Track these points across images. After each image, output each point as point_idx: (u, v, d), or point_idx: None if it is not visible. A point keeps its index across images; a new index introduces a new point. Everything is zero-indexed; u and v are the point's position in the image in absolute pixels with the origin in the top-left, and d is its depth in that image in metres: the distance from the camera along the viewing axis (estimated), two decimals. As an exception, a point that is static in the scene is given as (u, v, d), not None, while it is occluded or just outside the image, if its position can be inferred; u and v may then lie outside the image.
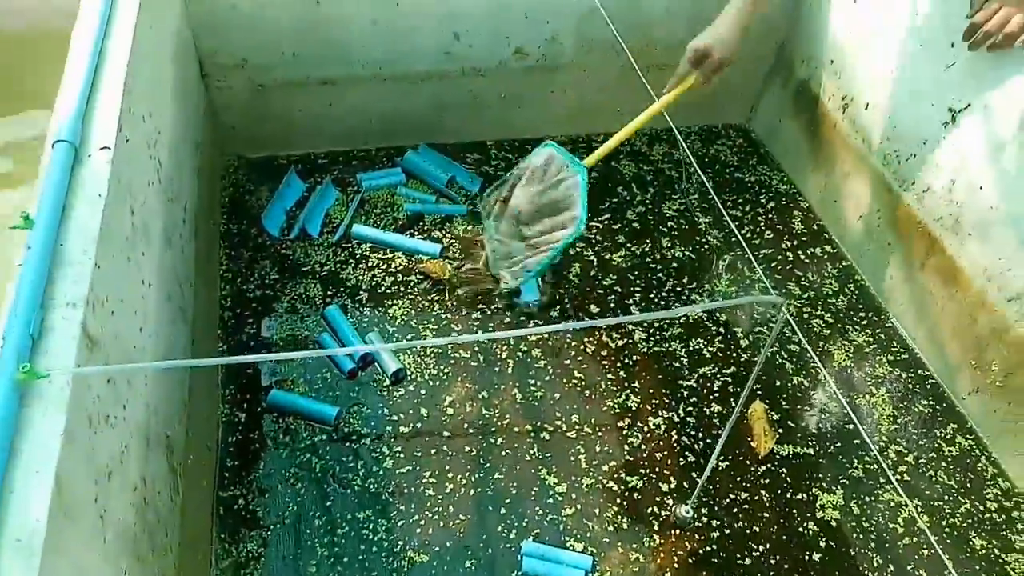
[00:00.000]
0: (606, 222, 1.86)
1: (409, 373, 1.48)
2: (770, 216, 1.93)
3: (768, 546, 1.31)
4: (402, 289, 1.63)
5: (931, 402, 1.57)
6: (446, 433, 1.40)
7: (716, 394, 1.52)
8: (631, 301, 1.68)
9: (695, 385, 1.53)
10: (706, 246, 1.83)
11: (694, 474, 1.38)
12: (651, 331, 1.61)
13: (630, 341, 1.59)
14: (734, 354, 1.60)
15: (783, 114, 2.06)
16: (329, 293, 1.60)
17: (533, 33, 1.84)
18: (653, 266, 1.76)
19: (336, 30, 1.70)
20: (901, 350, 1.66)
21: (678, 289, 1.71)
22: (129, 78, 1.09)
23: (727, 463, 1.41)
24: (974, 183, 1.47)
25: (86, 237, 0.87)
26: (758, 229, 1.89)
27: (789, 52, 2.01)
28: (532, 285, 1.65)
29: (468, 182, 1.89)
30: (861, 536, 1.34)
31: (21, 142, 1.60)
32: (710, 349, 1.60)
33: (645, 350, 1.57)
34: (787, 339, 1.64)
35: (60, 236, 0.86)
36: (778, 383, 1.56)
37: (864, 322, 1.70)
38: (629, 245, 1.81)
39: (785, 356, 1.61)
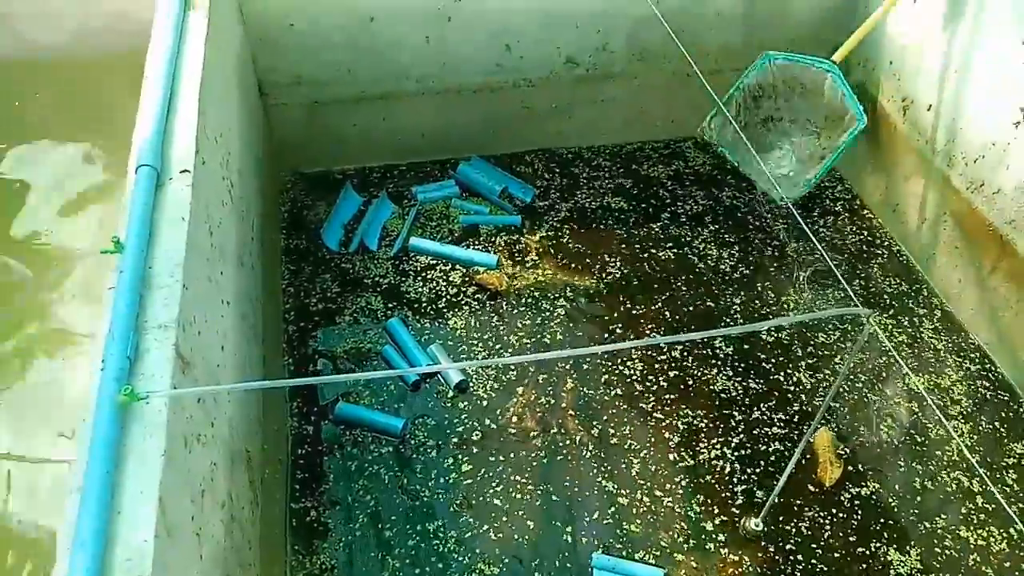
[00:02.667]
0: (657, 231, 1.85)
1: (471, 384, 1.49)
2: (829, 222, 1.90)
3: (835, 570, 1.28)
4: (461, 300, 1.64)
5: (1008, 414, 1.52)
6: (510, 443, 1.40)
7: (784, 415, 1.49)
8: (694, 310, 1.66)
9: (763, 404, 1.51)
10: (779, 256, 1.80)
11: (759, 492, 1.35)
12: (718, 348, 1.59)
13: (696, 355, 1.57)
14: (805, 372, 1.57)
15: (839, 116, 2.02)
16: (390, 306, 1.62)
17: (584, 42, 1.84)
18: (716, 277, 1.74)
19: (389, 47, 1.72)
20: (975, 357, 1.61)
21: (756, 303, 1.69)
22: (202, 101, 1.11)
23: (793, 488, 1.38)
24: (1049, 184, 1.43)
25: (173, 260, 0.89)
26: (817, 236, 1.86)
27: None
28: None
29: (521, 192, 1.90)
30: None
31: (99, 165, 1.65)
32: (784, 365, 1.57)
33: (712, 363, 1.56)
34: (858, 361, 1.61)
35: (148, 259, 0.88)
36: (848, 407, 1.52)
37: (934, 329, 1.66)
38: (704, 250, 1.79)
39: (856, 377, 1.58)
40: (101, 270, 0.90)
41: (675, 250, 1.79)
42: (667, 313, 1.65)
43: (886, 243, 1.85)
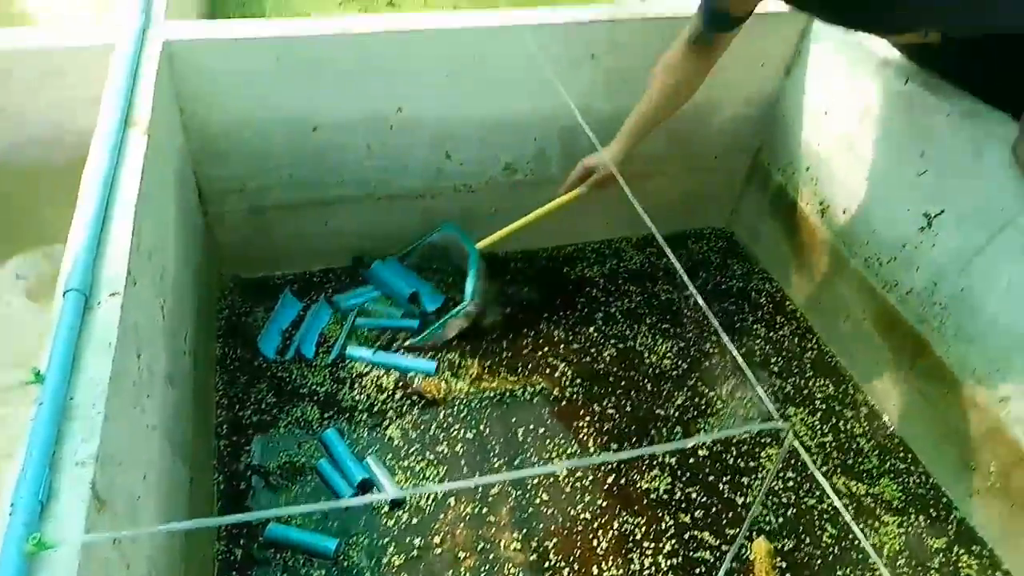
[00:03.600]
0: (593, 334, 1.88)
1: (407, 498, 1.45)
2: (756, 321, 1.97)
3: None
4: (399, 408, 1.62)
5: (934, 511, 1.56)
6: (449, 560, 1.36)
7: (713, 526, 1.50)
8: (619, 421, 1.68)
9: (690, 514, 1.52)
10: (699, 359, 1.85)
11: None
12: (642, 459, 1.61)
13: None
14: (733, 481, 1.59)
15: (763, 218, 2.13)
16: (327, 415, 1.59)
17: (521, 150, 1.91)
18: (641, 379, 1.77)
19: (332, 154, 1.75)
20: (902, 455, 1.66)
21: (676, 414, 1.72)
22: (136, 220, 1.11)
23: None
24: (955, 286, 1.52)
25: (96, 389, 0.87)
26: (745, 335, 1.92)
27: (765, 159, 2.10)
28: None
29: (429, 301, 1.89)
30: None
31: (32, 279, 1.60)
32: (721, 471, 1.59)
33: (650, 468, 1.57)
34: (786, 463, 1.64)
35: (70, 389, 0.86)
36: (782, 516, 1.54)
37: (861, 428, 1.71)
38: (615, 359, 1.83)
39: (786, 482, 1.61)
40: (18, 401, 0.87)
41: (614, 349, 1.83)
42: (608, 416, 1.66)
43: (814, 340, 1.92)
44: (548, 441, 1.59)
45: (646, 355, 1.82)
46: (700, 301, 0.87)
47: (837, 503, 0.73)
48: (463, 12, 1.74)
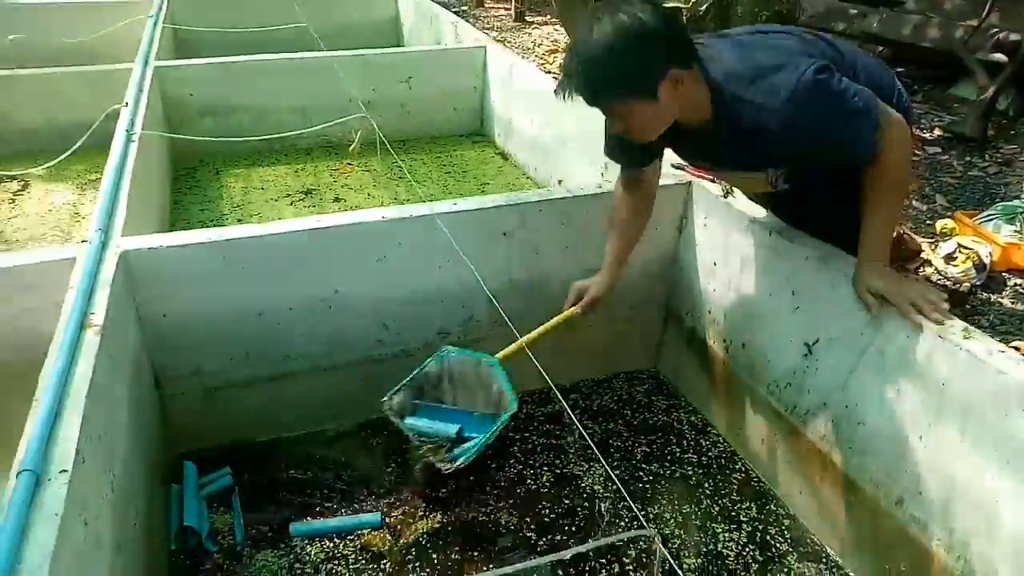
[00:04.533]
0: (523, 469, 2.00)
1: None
2: (683, 451, 2.10)
3: None
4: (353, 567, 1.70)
5: (861, 614, 1.63)
6: None
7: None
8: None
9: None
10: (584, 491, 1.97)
11: None
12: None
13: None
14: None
15: (682, 357, 2.33)
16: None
17: (452, 316, 2.13)
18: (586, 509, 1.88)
19: (279, 334, 1.95)
20: (826, 563, 1.75)
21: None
22: (87, 408, 1.27)
23: None
24: (841, 403, 1.70)
25: (42, 554, 0.99)
26: (676, 463, 2.05)
27: (675, 305, 2.34)
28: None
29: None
30: None
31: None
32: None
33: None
34: None
35: (19, 555, 0.98)
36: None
37: (787, 541, 1.81)
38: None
39: (717, 586, 1.69)
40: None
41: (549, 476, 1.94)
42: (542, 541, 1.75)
43: (738, 466, 2.05)
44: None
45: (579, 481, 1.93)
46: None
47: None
48: (386, 208, 2.02)
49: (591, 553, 1.63)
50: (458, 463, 1.76)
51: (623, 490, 0.98)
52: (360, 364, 2.09)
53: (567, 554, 0.93)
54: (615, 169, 1.91)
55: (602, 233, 2.16)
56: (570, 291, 1.94)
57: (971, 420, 1.40)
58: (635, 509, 0.96)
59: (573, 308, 1.93)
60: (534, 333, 1.92)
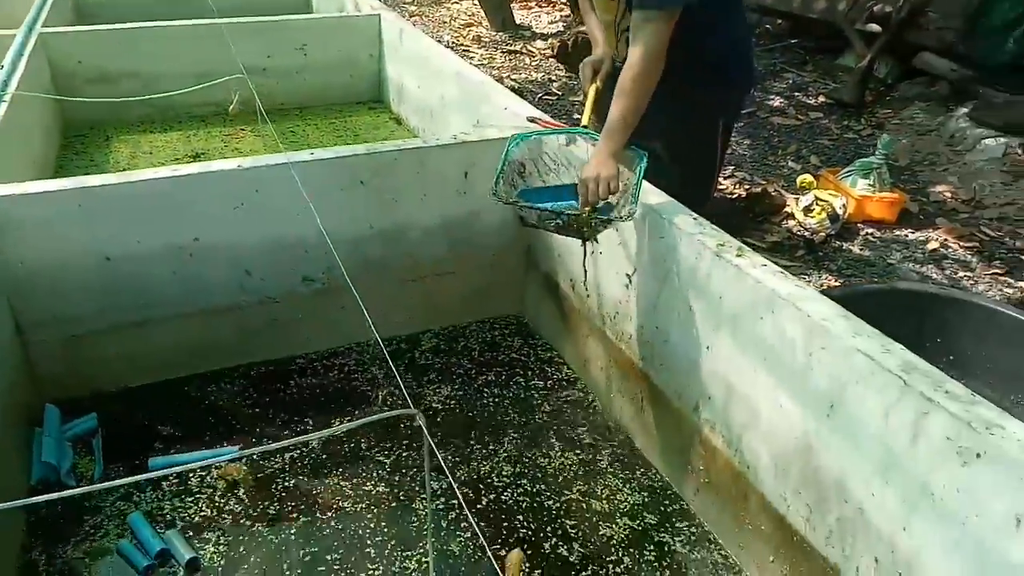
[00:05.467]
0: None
1: (204, 562, 1.63)
2: (535, 378, 2.28)
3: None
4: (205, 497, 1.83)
5: (668, 505, 1.84)
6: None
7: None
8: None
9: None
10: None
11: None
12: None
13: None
14: (498, 497, 1.83)
15: (541, 300, 2.50)
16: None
17: (315, 264, 2.24)
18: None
19: (135, 281, 2.04)
20: (648, 471, 1.95)
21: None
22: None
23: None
24: (653, 325, 1.89)
25: None
26: (528, 396, 2.22)
27: (534, 252, 2.50)
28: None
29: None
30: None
31: None
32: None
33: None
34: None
35: None
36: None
37: (612, 455, 2.00)
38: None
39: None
40: None
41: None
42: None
43: (582, 389, 2.24)
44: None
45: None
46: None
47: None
48: (243, 158, 2.13)
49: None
50: (634, 208, 1.72)
51: (397, 376, 1.12)
52: (224, 311, 2.19)
53: (339, 429, 1.07)
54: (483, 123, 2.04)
55: (459, 180, 2.31)
56: (583, 70, 2.06)
57: (739, 327, 1.59)
58: (404, 393, 1.10)
59: (595, 83, 2.04)
60: (587, 111, 2.01)
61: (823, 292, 1.58)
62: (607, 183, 1.73)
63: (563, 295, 2.34)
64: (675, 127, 2.06)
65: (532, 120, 2.40)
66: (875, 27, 4.96)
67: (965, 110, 4.41)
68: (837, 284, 2.98)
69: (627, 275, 1.97)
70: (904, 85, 4.98)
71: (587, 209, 1.77)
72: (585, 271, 2.10)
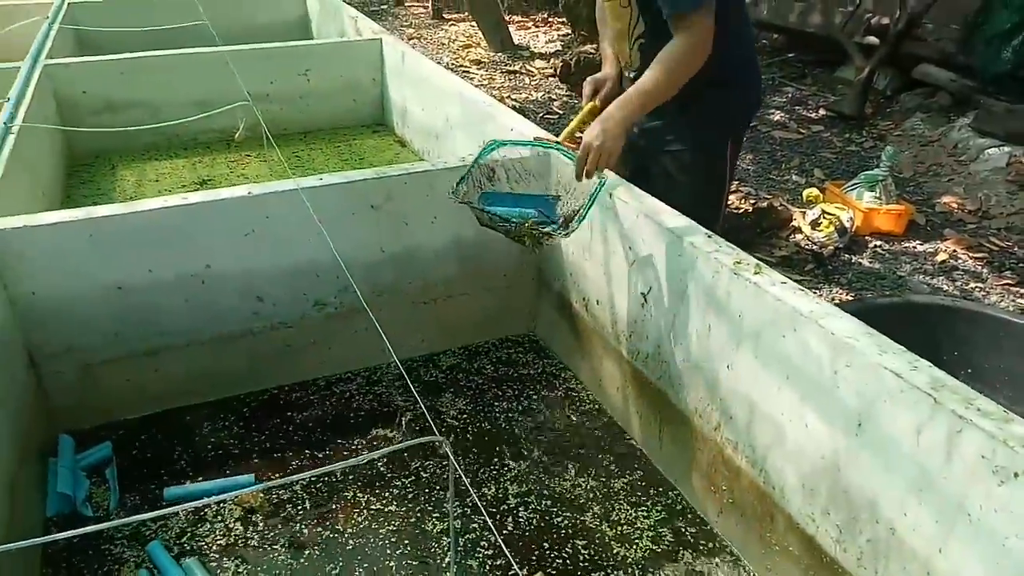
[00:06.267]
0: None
1: (220, 596, 1.61)
2: (552, 400, 2.26)
3: None
4: (221, 523, 1.80)
5: (691, 526, 1.81)
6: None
7: (502, 560, 1.71)
8: (429, 494, 1.91)
9: (484, 556, 1.72)
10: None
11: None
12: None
13: (426, 528, 1.79)
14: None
15: (554, 319, 2.49)
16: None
17: (327, 288, 2.24)
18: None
19: (147, 310, 2.03)
20: (670, 494, 1.93)
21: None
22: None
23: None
24: (670, 345, 1.87)
25: None
26: (542, 410, 2.21)
27: (545, 271, 2.49)
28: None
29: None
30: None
31: None
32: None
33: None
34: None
35: None
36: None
37: (633, 472, 1.98)
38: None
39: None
40: None
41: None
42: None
43: (599, 413, 2.22)
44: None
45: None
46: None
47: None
48: (253, 184, 2.12)
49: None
50: (572, 227, 1.76)
51: (419, 401, 1.11)
52: (237, 338, 2.18)
53: (365, 459, 1.06)
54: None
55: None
56: (585, 87, 2.09)
57: (760, 345, 1.58)
58: (428, 418, 1.09)
59: (592, 102, 2.05)
60: (571, 126, 2.04)
61: (837, 306, 1.57)
62: (608, 158, 1.74)
63: (576, 314, 2.33)
64: (684, 142, 2.06)
65: (537, 140, 2.40)
66: (873, 39, 5.00)
67: (966, 120, 4.42)
68: (849, 298, 2.97)
69: (642, 294, 1.96)
70: (904, 96, 5.01)
71: (530, 221, 1.80)
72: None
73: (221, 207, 2.02)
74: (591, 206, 1.79)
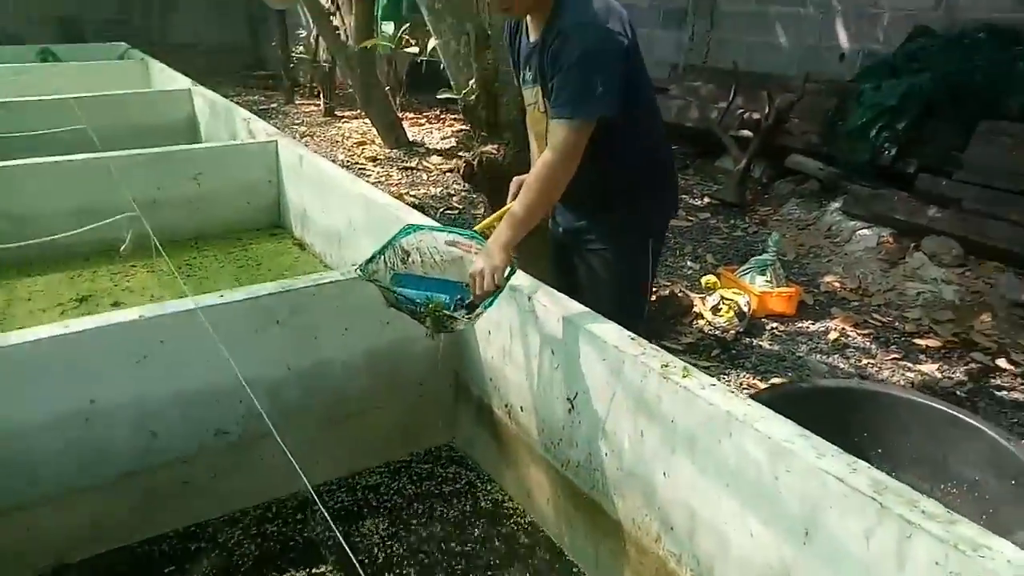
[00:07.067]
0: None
1: None
2: (475, 516, 2.14)
3: None
4: None
5: (640, 652, 1.72)
6: None
7: None
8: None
9: None
10: (424, 564, 1.96)
11: None
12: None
13: None
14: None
15: (475, 428, 2.39)
16: None
17: (229, 413, 2.06)
18: None
19: (21, 459, 1.78)
20: (607, 610, 1.83)
21: None
22: None
23: None
24: (601, 451, 1.82)
25: None
26: (471, 533, 2.08)
27: (463, 375, 2.41)
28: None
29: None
30: None
31: None
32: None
33: None
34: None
35: None
36: None
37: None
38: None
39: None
40: None
41: None
42: None
43: (525, 519, 2.12)
44: None
45: None
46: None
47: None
48: (146, 306, 1.96)
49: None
50: (479, 312, 1.75)
51: (335, 530, 0.98)
52: (127, 480, 1.95)
53: None
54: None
55: (381, 310, 2.21)
56: (512, 186, 2.05)
57: (697, 451, 1.55)
58: (347, 549, 0.96)
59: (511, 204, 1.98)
60: (490, 219, 2.00)
61: (752, 396, 1.60)
62: (491, 276, 1.75)
63: (499, 421, 2.25)
64: (605, 241, 2.07)
65: (452, 244, 2.36)
66: (747, 132, 5.39)
67: (837, 204, 4.79)
68: (756, 381, 3.05)
69: (568, 399, 1.91)
70: (779, 184, 5.39)
71: (436, 303, 1.79)
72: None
73: (108, 334, 1.83)
74: (499, 293, 1.79)
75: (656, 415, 1.64)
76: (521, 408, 2.12)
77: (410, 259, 1.99)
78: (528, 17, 1.92)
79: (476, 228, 2.01)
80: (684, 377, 1.59)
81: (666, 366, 1.64)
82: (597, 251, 2.09)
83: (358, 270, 1.85)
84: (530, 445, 2.11)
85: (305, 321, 2.11)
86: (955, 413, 2.14)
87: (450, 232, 2.04)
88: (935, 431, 2.19)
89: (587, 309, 1.89)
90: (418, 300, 1.81)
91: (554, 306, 1.92)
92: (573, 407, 1.91)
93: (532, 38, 1.92)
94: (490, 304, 1.77)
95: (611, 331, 1.78)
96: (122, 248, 2.63)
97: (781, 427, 1.41)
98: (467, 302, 1.83)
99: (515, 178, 2.09)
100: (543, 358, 1.98)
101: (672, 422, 1.60)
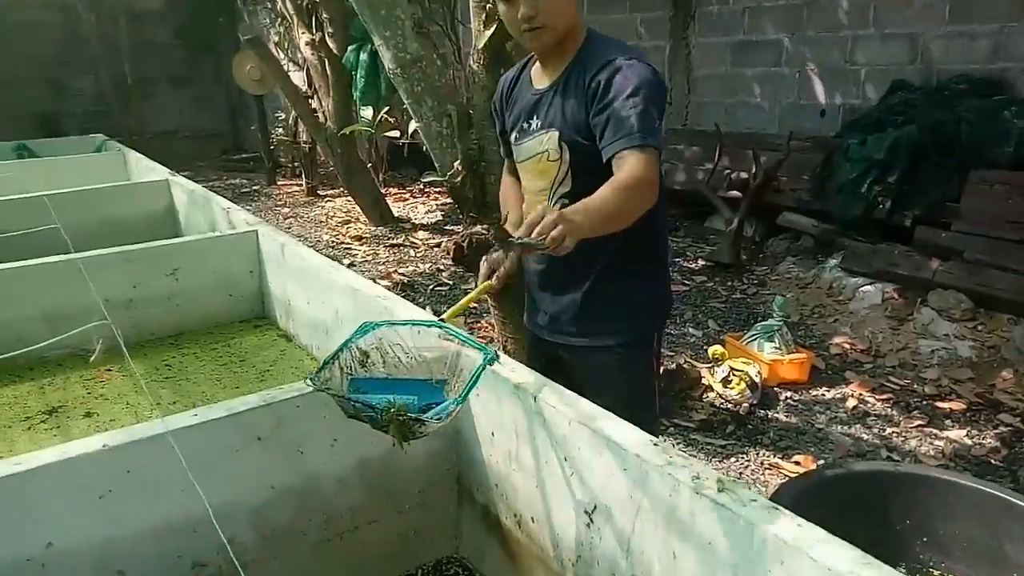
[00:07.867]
0: None
1: None
2: (493, 648, 1.91)
3: None
4: None
5: None
6: None
7: None
8: None
9: None
10: None
11: None
12: None
13: None
14: None
15: (482, 538, 2.17)
16: None
17: (208, 544, 1.83)
18: None
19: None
20: None
21: None
22: None
23: None
24: (628, 572, 1.62)
25: None
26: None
27: (466, 481, 2.21)
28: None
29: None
30: None
31: None
32: None
33: None
34: None
35: None
36: None
37: None
38: None
39: None
40: None
41: None
42: None
43: (549, 655, 1.88)
44: None
45: None
46: None
47: None
48: (109, 433, 1.76)
49: None
50: (450, 410, 1.50)
51: None
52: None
53: None
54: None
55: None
56: (482, 264, 1.84)
57: (741, 577, 1.36)
58: None
59: (488, 282, 1.81)
60: (462, 303, 1.81)
61: (782, 487, 1.43)
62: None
63: (508, 533, 2.04)
64: (609, 336, 1.92)
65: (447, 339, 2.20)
66: (736, 193, 5.34)
67: (835, 261, 4.70)
68: (778, 460, 2.86)
69: (586, 512, 1.72)
70: (773, 242, 5.31)
71: (396, 406, 1.51)
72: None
73: (67, 468, 1.63)
74: (473, 386, 1.55)
75: (689, 535, 1.45)
76: (532, 519, 1.92)
77: (369, 360, 1.76)
78: (538, 64, 1.82)
79: (443, 317, 1.82)
80: (720, 491, 1.41)
81: (697, 478, 1.46)
82: (599, 348, 1.92)
83: (308, 380, 1.62)
84: (545, 561, 1.89)
85: (289, 435, 1.92)
86: (1008, 498, 1.96)
87: (413, 324, 1.86)
88: (986, 517, 2.01)
89: (601, 410, 1.72)
90: (378, 405, 1.54)
91: (564, 407, 1.75)
92: (592, 521, 1.71)
93: (541, 85, 1.80)
94: (463, 399, 1.54)
95: (631, 437, 1.61)
96: (91, 358, 2.44)
97: (839, 551, 1.22)
98: (446, 398, 1.61)
99: (484, 257, 1.93)
100: (554, 465, 1.79)
101: (709, 544, 1.41)
